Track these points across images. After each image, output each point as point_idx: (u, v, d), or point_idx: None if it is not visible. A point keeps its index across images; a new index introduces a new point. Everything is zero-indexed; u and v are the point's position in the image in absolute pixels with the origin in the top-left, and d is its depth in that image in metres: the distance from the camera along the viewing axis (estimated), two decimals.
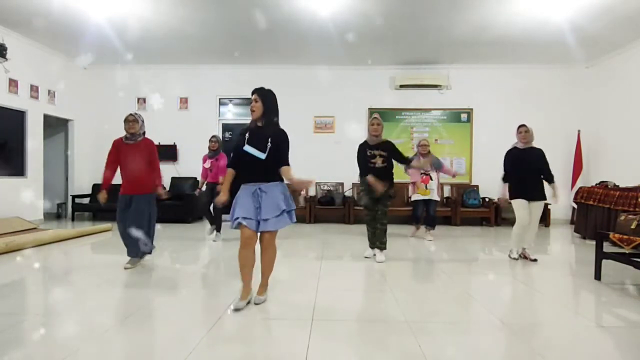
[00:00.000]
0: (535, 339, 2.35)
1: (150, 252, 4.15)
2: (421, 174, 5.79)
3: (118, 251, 4.89)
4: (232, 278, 3.65)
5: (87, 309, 2.85)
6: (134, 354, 2.14)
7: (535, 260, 4.43)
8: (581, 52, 7.09)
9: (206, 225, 6.42)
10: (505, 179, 4.53)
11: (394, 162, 4.38)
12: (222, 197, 2.83)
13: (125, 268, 3.94)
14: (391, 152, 4.33)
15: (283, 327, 2.51)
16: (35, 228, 6.09)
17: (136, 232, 3.92)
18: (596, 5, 5.32)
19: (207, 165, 5.69)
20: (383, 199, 4.30)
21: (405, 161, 4.42)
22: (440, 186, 6.11)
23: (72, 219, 7.91)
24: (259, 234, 2.76)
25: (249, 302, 2.84)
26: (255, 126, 2.84)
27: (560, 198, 4.40)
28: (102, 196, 3.90)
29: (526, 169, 4.37)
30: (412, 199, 5.99)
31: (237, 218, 2.68)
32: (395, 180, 4.46)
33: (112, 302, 3.03)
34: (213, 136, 5.75)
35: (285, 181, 2.84)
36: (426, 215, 5.92)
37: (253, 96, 2.82)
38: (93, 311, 2.78)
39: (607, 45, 6.85)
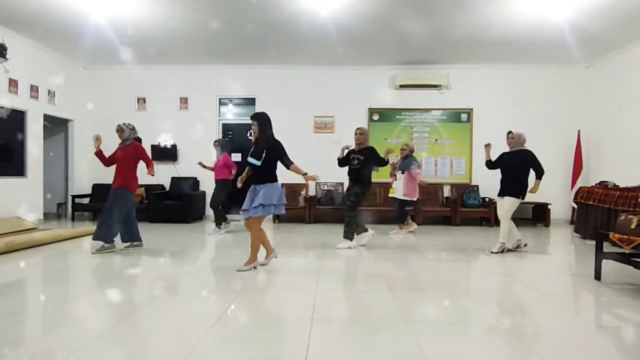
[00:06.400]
0: (535, 338, 2.35)
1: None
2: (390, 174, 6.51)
3: (118, 251, 4.89)
4: (232, 277, 3.65)
5: (86, 308, 2.85)
6: (134, 353, 2.15)
7: (525, 245, 5.02)
8: (581, 52, 7.08)
9: (212, 224, 6.51)
10: (488, 167, 5.14)
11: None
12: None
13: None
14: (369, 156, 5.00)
15: (283, 327, 2.51)
16: (35, 228, 6.08)
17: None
18: (596, 5, 5.31)
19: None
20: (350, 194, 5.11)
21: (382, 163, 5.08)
22: (414, 185, 6.31)
23: (72, 219, 7.90)
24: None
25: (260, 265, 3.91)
26: (256, 140, 3.77)
27: (540, 190, 4.83)
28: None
29: (503, 169, 4.93)
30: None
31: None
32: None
33: (112, 301, 3.03)
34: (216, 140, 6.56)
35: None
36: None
37: (252, 121, 3.75)
38: (93, 310, 2.78)
39: (607, 45, 6.85)
